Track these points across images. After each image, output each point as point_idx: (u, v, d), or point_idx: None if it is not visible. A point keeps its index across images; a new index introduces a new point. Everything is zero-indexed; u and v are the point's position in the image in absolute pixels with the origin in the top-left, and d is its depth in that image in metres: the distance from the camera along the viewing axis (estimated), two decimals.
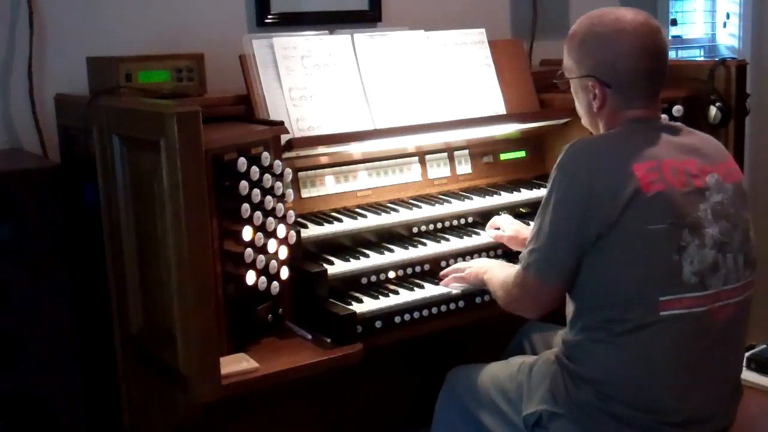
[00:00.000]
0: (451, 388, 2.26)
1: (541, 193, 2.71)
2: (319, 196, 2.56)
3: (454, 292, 2.35)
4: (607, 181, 1.83)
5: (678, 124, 2.08)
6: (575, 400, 1.92)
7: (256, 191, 2.10)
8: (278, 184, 2.17)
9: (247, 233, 2.08)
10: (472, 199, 2.69)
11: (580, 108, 2.10)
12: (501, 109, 2.82)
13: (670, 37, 4.12)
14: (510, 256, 2.50)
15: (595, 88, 1.98)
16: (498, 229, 2.56)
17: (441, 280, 2.40)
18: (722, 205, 1.90)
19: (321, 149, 2.50)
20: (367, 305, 2.26)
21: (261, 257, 2.10)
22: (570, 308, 1.98)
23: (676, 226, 1.83)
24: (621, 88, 1.96)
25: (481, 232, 2.59)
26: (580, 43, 2.00)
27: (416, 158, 2.74)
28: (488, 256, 2.52)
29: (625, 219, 1.81)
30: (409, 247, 2.47)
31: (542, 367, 2.05)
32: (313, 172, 2.56)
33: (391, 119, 2.59)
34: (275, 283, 2.16)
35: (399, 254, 2.43)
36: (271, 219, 2.13)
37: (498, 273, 2.17)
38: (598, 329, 1.89)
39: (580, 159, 1.89)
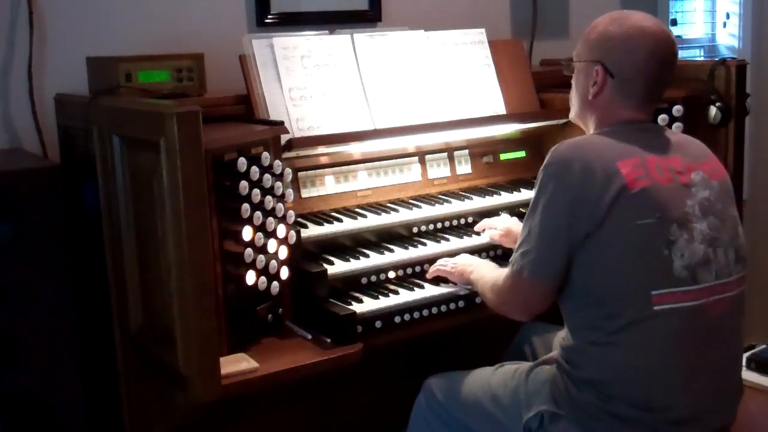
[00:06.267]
0: (430, 396, 2.25)
1: None
2: (319, 196, 2.56)
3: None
4: (593, 180, 1.85)
5: (661, 126, 2.09)
6: (577, 402, 1.92)
7: (256, 191, 2.10)
8: (278, 184, 2.17)
9: (247, 233, 2.08)
10: (472, 199, 2.69)
11: (575, 95, 2.12)
12: (501, 109, 2.82)
13: None
14: (508, 256, 2.49)
15: (598, 75, 2.01)
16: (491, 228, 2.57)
17: (437, 279, 2.40)
18: (709, 201, 1.92)
19: (321, 149, 2.50)
20: (367, 305, 2.26)
21: (261, 257, 2.10)
22: (565, 310, 1.99)
23: (664, 220, 1.85)
24: (623, 81, 1.99)
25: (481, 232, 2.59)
26: (599, 33, 2.04)
27: (416, 158, 2.74)
28: (488, 256, 2.52)
29: (613, 216, 1.83)
30: (409, 247, 2.47)
31: (541, 372, 2.05)
32: (313, 172, 2.56)
33: (391, 119, 2.59)
34: (275, 283, 2.16)
35: (399, 254, 2.43)
36: (271, 219, 2.13)
37: (487, 274, 2.18)
38: (594, 329, 1.90)
39: (565, 160, 1.91)
